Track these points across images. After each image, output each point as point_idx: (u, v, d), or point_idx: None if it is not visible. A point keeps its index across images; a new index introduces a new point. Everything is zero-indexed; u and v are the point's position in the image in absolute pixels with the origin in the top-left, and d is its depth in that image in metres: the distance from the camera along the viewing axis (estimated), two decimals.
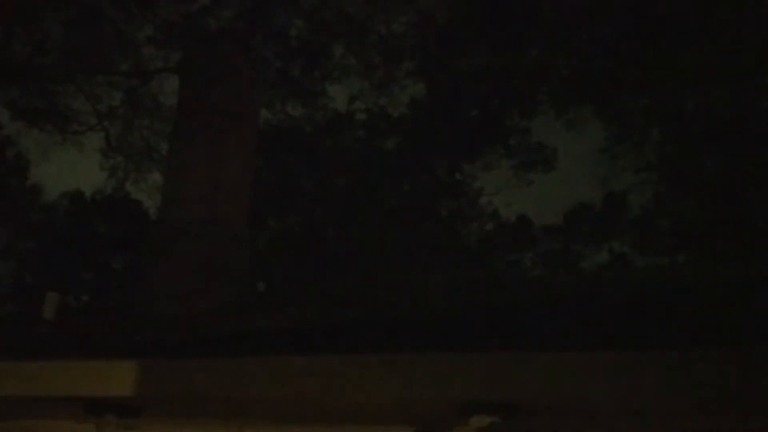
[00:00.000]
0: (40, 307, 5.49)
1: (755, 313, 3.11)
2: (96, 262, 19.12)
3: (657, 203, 15.35)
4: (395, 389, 3.34)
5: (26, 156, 17.92)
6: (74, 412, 4.14)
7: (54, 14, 13.58)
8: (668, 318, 3.26)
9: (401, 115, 16.64)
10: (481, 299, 3.87)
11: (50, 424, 4.56)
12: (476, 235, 19.29)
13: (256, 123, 11.54)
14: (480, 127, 15.90)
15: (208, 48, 11.74)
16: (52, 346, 4.50)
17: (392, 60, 14.51)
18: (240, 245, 9.88)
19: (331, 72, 15.26)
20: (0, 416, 4.48)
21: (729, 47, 10.96)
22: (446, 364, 3.26)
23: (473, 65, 13.20)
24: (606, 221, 17.81)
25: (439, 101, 15.63)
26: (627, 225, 17.21)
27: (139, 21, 14.02)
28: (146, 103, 15.72)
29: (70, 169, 17.56)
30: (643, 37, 11.50)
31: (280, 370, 3.57)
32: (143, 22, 14.03)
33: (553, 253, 19.19)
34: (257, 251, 14.84)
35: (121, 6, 13.62)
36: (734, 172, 12.32)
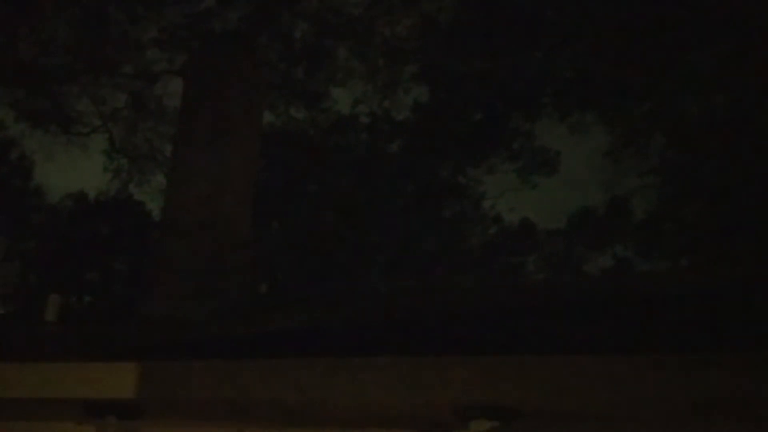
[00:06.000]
0: (42, 309, 5.49)
1: (760, 317, 3.10)
2: (99, 264, 19.15)
3: (661, 207, 15.31)
4: (395, 392, 3.34)
5: (30, 157, 17.97)
6: (75, 413, 4.13)
7: (59, 15, 13.61)
8: (672, 322, 3.24)
9: (405, 119, 16.65)
10: (482, 302, 3.85)
11: (50, 425, 4.56)
12: (479, 239, 19.29)
13: (260, 125, 11.55)
14: (483, 130, 15.89)
15: (212, 50, 11.76)
16: (53, 348, 4.50)
17: (396, 63, 14.52)
18: (243, 247, 9.89)
19: (334, 75, 15.27)
20: (0, 417, 4.48)
21: (732, 51, 10.95)
22: (446, 367, 3.25)
23: (477, 68, 13.20)
24: (609, 225, 17.78)
25: (442, 104, 15.63)
26: (631, 229, 17.17)
27: (144, 23, 14.05)
28: (150, 105, 15.77)
29: (73, 170, 17.62)
30: (647, 40, 11.49)
31: (281, 372, 3.57)
32: (148, 24, 14.06)
33: (556, 256, 19.18)
34: (260, 253, 14.84)
35: (125, 8, 13.65)
36: (738, 177, 12.29)
